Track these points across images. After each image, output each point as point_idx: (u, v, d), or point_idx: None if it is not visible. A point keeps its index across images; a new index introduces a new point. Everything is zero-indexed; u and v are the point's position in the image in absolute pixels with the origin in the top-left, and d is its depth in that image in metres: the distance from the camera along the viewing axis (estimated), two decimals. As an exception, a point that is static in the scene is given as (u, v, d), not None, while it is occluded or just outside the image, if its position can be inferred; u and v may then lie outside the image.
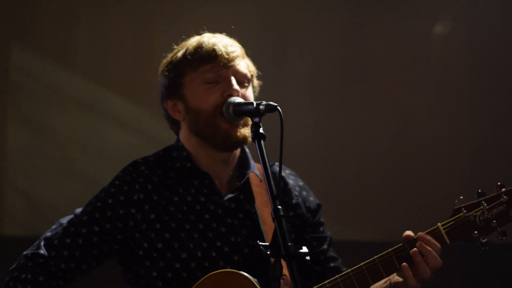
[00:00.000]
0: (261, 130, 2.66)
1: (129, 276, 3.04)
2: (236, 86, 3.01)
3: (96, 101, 5.79)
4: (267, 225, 3.04)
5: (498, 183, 2.95)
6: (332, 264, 3.15)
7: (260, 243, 2.49)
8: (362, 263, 2.89)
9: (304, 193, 3.22)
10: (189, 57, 3.03)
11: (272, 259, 2.93)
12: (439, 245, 2.88)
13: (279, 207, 2.51)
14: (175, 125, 3.15)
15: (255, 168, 3.14)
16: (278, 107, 2.68)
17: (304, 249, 2.46)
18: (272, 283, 2.48)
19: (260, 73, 3.17)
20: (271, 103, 2.70)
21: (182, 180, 3.04)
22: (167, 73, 3.08)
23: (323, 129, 5.68)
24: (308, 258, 2.55)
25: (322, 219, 3.23)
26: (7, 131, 5.79)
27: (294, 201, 3.18)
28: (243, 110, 2.85)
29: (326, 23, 5.87)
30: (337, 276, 2.89)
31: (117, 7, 5.87)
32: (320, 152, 5.65)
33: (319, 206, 3.24)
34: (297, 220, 3.18)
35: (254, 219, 3.05)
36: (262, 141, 2.64)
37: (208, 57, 3.02)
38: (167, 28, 5.66)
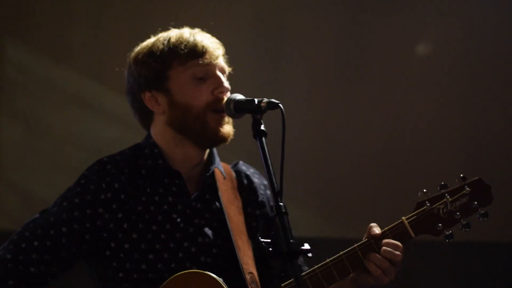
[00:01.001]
0: (262, 127, 2.65)
1: (94, 276, 3.00)
2: (226, 84, 3.01)
3: (91, 97, 5.78)
4: (234, 223, 3.02)
5: (461, 175, 2.96)
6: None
7: (262, 239, 2.47)
8: (328, 259, 2.88)
9: (268, 192, 3.18)
10: (176, 50, 3.00)
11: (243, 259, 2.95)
12: (400, 246, 2.88)
13: (281, 204, 2.49)
14: (147, 117, 3.08)
15: (220, 164, 3.11)
16: (280, 105, 2.67)
17: (306, 246, 2.45)
18: (274, 280, 2.46)
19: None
20: (273, 100, 2.69)
21: (151, 179, 2.99)
22: (149, 63, 3.02)
23: (319, 128, 5.69)
24: (310, 255, 2.56)
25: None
26: (1, 126, 5.77)
27: (259, 199, 3.16)
28: (245, 107, 2.81)
29: (323, 22, 5.88)
30: (304, 272, 2.85)
31: (113, 4, 5.87)
32: (316, 151, 5.65)
33: None
34: (262, 219, 3.16)
35: (220, 218, 3.02)
36: (263, 138, 2.63)
37: (197, 52, 2.99)
38: (163, 25, 5.64)
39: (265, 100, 2.71)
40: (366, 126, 5.78)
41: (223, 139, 2.99)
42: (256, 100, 2.73)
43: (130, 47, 5.96)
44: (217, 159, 3.11)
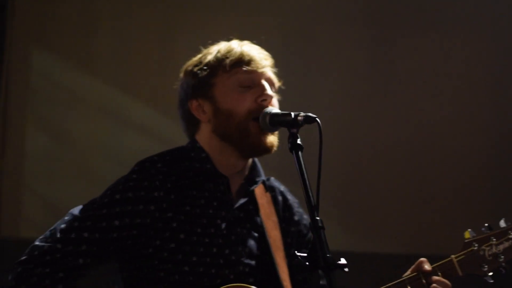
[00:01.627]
0: (298, 141, 2.64)
1: (125, 275, 2.97)
2: (269, 92, 2.99)
3: (116, 107, 5.80)
4: (272, 238, 3.01)
5: (503, 219, 3.03)
6: (321, 282, 3.05)
7: (298, 253, 2.47)
8: None
9: (300, 210, 3.19)
10: (222, 58, 3.00)
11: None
12: (449, 285, 2.93)
13: (318, 218, 2.49)
14: (193, 126, 3.08)
15: (264, 178, 3.11)
16: (317, 119, 2.66)
17: (343, 261, 2.45)
18: None
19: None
20: (310, 114, 2.69)
21: (197, 182, 2.99)
22: (196, 73, 3.03)
23: (346, 141, 5.68)
24: (346, 269, 2.55)
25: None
26: (25, 135, 5.80)
27: (295, 218, 3.16)
28: (281, 121, 2.82)
29: (352, 36, 5.88)
30: None
31: (139, 14, 5.89)
32: (342, 165, 5.64)
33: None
34: (297, 236, 3.16)
35: (260, 231, 3.02)
36: (299, 152, 2.62)
37: (243, 60, 3.00)
38: (189, 36, 5.67)
39: (302, 114, 2.71)
40: (393, 140, 5.77)
41: (265, 149, 2.98)
42: (292, 114, 2.73)
43: (156, 58, 6.01)
44: (261, 171, 3.11)
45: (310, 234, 3.13)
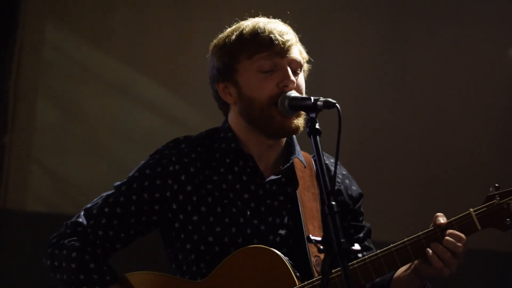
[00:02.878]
0: (317, 126, 2.62)
1: (169, 251, 3.07)
2: (292, 77, 2.97)
3: (129, 84, 5.78)
4: (307, 209, 3.04)
5: None
6: (365, 253, 3.08)
7: (313, 237, 2.46)
8: (391, 245, 2.89)
9: (346, 181, 3.21)
10: (244, 43, 2.99)
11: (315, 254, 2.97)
12: (464, 238, 2.88)
13: (333, 203, 2.48)
14: (224, 106, 3.12)
15: (300, 154, 3.13)
16: (336, 104, 2.65)
17: (357, 246, 2.44)
18: (322, 278, 2.45)
19: (311, 59, 3.13)
20: (330, 99, 2.67)
21: (226, 160, 3.05)
22: (220, 56, 3.04)
23: (358, 130, 5.65)
24: (360, 255, 2.46)
25: (362, 209, 3.22)
26: (36, 108, 5.80)
27: (336, 188, 3.16)
28: (300, 105, 2.83)
29: (365, 25, 5.84)
30: (366, 256, 2.89)
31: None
32: (354, 154, 5.61)
33: (361, 195, 3.22)
34: (339, 206, 3.16)
35: (294, 202, 3.05)
36: (318, 137, 2.61)
37: (264, 45, 2.97)
38: (205, 15, 5.64)
39: (322, 99, 2.69)
40: (404, 131, 5.74)
41: (291, 131, 2.99)
42: (312, 98, 2.72)
43: (171, 37, 5.97)
44: (297, 148, 3.13)
45: (357, 206, 3.20)
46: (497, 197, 2.93)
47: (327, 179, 2.54)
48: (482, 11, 5.79)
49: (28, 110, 5.78)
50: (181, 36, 5.75)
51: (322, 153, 2.59)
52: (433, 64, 5.81)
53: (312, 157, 3.18)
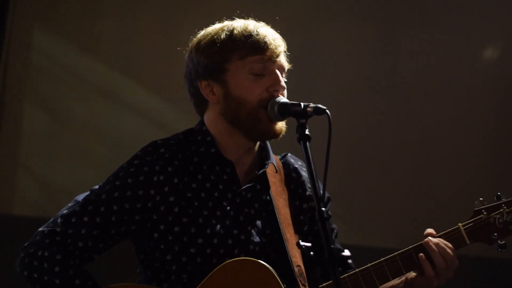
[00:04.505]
0: (307, 132, 2.64)
1: (141, 257, 3.01)
2: (282, 83, 2.99)
3: (117, 89, 5.78)
4: (282, 216, 3.04)
5: None
6: None
7: (302, 243, 2.47)
8: (382, 259, 2.92)
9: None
10: (238, 44, 2.98)
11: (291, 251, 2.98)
12: (453, 248, 2.95)
13: (323, 209, 2.50)
14: (202, 104, 3.08)
15: (273, 159, 3.12)
16: (327, 111, 2.67)
17: (347, 252, 2.45)
18: (311, 283, 2.46)
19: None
20: (320, 106, 2.69)
21: (203, 166, 3.01)
22: (210, 54, 3.00)
23: (346, 136, 5.66)
24: (350, 261, 2.48)
25: (330, 212, 3.21)
26: (24, 113, 5.78)
27: (307, 193, 3.17)
28: (290, 111, 2.82)
29: (354, 31, 5.86)
30: (357, 270, 2.91)
31: (144, -5, 5.87)
32: (343, 160, 5.62)
33: (329, 199, 3.23)
34: (309, 212, 3.17)
35: (269, 209, 3.04)
36: (307, 143, 2.62)
37: (258, 48, 2.98)
38: (194, 20, 5.61)
39: (312, 105, 2.71)
40: (394, 136, 5.76)
41: (274, 135, 2.99)
42: (302, 104, 2.73)
43: (159, 42, 5.97)
44: (271, 153, 3.12)
45: (327, 210, 3.16)
46: (484, 211, 2.99)
47: (316, 184, 2.54)
48: (472, 14, 5.82)
49: (15, 114, 5.76)
50: (169, 41, 5.74)
51: (312, 159, 2.59)
52: (423, 69, 5.83)
53: (280, 160, 3.19)
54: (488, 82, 5.83)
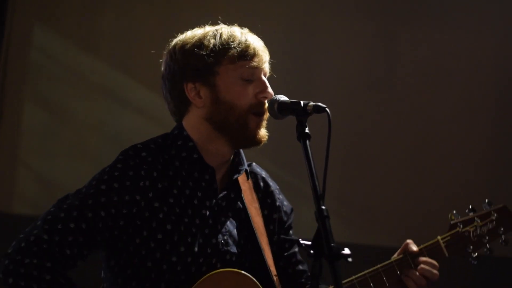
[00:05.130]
0: (306, 130, 2.64)
1: (112, 263, 2.95)
2: (270, 89, 2.98)
3: (116, 87, 5.78)
4: (256, 224, 3.03)
5: (486, 200, 3.14)
6: (301, 267, 3.15)
7: (302, 241, 2.47)
8: (365, 271, 2.95)
9: (281, 196, 3.20)
10: (228, 47, 2.95)
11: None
12: (437, 265, 3.01)
13: (323, 207, 2.49)
14: (183, 107, 3.02)
15: (246, 166, 3.10)
16: (326, 109, 2.67)
17: (347, 251, 2.44)
18: (312, 281, 2.46)
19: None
20: (320, 104, 2.69)
21: (182, 171, 2.96)
22: (199, 56, 2.96)
23: (345, 134, 5.66)
24: (350, 259, 2.52)
25: (292, 224, 3.23)
26: (23, 110, 5.78)
27: (277, 204, 3.16)
28: (289, 109, 2.80)
29: (352, 29, 5.86)
30: (344, 281, 2.90)
31: (145, -6, 5.87)
32: (342, 158, 5.63)
33: (292, 210, 3.22)
34: (278, 223, 3.16)
35: (242, 218, 3.03)
36: (307, 141, 2.62)
37: (249, 53, 2.96)
38: (194, 20, 5.61)
39: (312, 103, 2.70)
40: (393, 134, 5.76)
41: (259, 141, 2.97)
42: (302, 102, 2.72)
43: (159, 41, 5.96)
44: (245, 159, 3.09)
45: (290, 221, 3.19)
46: (460, 224, 3.08)
47: (316, 183, 2.53)
48: (471, 12, 5.82)
49: (15, 112, 5.76)
50: (168, 39, 5.73)
51: (312, 157, 2.58)
52: (422, 67, 5.83)
53: (248, 167, 3.14)
54: (487, 81, 5.83)
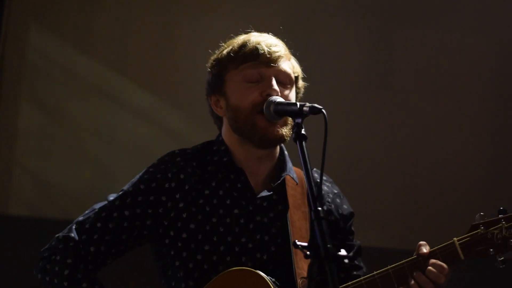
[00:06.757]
0: (303, 131, 2.65)
1: (159, 264, 3.07)
2: (275, 87, 3.00)
3: (113, 88, 5.77)
4: (296, 228, 3.05)
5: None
6: (355, 273, 3.14)
7: (299, 243, 2.48)
8: (375, 272, 2.91)
9: (337, 200, 3.22)
10: (232, 54, 3.04)
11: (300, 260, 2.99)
12: (446, 268, 2.90)
13: (319, 208, 2.50)
14: (218, 120, 3.15)
15: (292, 171, 3.14)
16: (323, 110, 2.68)
17: (343, 252, 2.45)
18: (309, 283, 2.47)
19: (304, 75, 3.15)
20: (316, 105, 2.70)
21: (218, 174, 3.06)
22: (210, 69, 3.10)
23: (341, 134, 5.66)
24: (347, 261, 2.52)
25: (353, 228, 3.24)
26: (19, 111, 5.77)
27: (325, 208, 3.17)
28: (285, 110, 2.86)
29: (349, 28, 5.86)
30: (349, 283, 2.90)
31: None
32: (338, 158, 5.62)
33: (351, 214, 3.24)
34: (328, 226, 3.16)
35: (283, 220, 3.06)
36: (303, 142, 2.63)
37: (250, 55, 3.02)
38: (189, 21, 5.64)
39: (308, 104, 2.72)
40: (390, 134, 5.77)
41: (275, 139, 3.01)
42: (298, 104, 2.75)
43: (155, 42, 5.96)
44: (289, 164, 3.14)
45: (349, 225, 3.21)
46: (482, 226, 2.92)
47: (313, 184, 2.54)
48: (469, 15, 5.82)
49: (11, 113, 5.76)
50: (165, 40, 5.75)
51: (309, 159, 2.60)
52: (420, 67, 5.83)
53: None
54: (485, 81, 5.83)
